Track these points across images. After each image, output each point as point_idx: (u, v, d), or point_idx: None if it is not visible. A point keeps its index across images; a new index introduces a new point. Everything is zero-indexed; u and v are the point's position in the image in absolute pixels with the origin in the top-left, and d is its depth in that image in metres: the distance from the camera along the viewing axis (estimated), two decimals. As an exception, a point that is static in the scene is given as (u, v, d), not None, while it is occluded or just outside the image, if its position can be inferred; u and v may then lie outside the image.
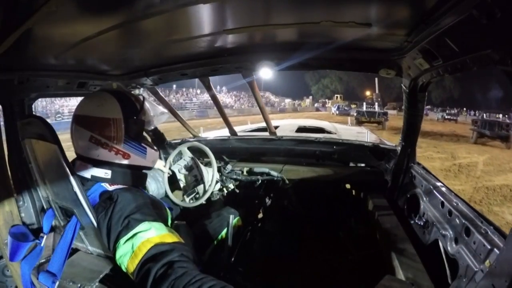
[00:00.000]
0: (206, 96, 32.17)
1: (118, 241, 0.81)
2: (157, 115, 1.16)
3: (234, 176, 1.86)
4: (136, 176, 1.05)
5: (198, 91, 34.14)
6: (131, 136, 1.00)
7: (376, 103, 20.50)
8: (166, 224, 0.91)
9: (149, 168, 1.11)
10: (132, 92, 1.14)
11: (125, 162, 1.00)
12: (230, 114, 21.16)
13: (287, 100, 43.37)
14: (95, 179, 0.96)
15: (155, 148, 1.10)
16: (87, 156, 0.97)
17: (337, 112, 28.96)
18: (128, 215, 0.83)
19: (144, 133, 1.12)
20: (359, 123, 16.19)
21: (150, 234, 0.80)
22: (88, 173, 0.96)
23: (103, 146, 0.95)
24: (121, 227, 0.82)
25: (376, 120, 16.50)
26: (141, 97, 1.08)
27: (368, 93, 43.34)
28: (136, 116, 1.02)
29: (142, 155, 1.04)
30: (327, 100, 43.47)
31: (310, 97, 46.67)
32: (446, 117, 25.83)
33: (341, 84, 47.36)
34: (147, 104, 1.08)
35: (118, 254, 0.81)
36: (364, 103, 21.45)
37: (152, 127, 1.16)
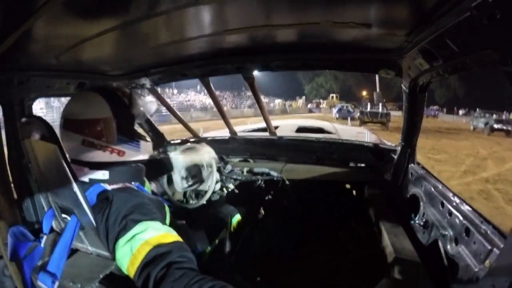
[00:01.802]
0: (182, 97, 29.97)
1: (117, 243, 0.81)
2: (146, 105, 1.12)
3: (234, 176, 1.86)
4: (134, 171, 1.05)
5: (175, 91, 31.25)
6: (123, 132, 0.99)
7: (380, 104, 19.37)
8: (164, 222, 0.91)
9: (144, 160, 1.11)
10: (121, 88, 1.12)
11: (121, 159, 0.99)
12: (201, 118, 18.23)
13: (278, 101, 37.23)
14: (93, 182, 0.95)
15: (147, 139, 1.09)
16: (81, 160, 0.96)
17: (337, 115, 22.50)
18: (125, 216, 0.83)
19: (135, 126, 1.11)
20: (362, 123, 15.97)
21: (148, 235, 0.79)
22: (86, 176, 0.95)
23: (97, 147, 0.94)
24: (119, 228, 0.82)
25: (378, 120, 16.23)
26: (127, 91, 1.07)
27: (364, 92, 38.48)
28: (126, 112, 1.01)
29: (136, 149, 1.02)
30: (321, 101, 38.37)
31: (303, 97, 40.45)
32: (496, 126, 16.05)
33: (337, 83, 43.26)
34: (134, 97, 1.06)
35: (118, 256, 0.80)
36: (368, 104, 19.71)
37: (144, 119, 1.14)
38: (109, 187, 0.95)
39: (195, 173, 1.73)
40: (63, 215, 0.97)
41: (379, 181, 1.79)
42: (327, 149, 2.05)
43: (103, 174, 0.96)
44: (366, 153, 1.96)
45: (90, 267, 0.93)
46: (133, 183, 1.04)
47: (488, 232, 0.83)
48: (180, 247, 0.80)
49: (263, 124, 2.54)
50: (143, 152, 1.06)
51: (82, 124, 0.93)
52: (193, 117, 19.95)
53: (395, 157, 1.65)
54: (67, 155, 0.98)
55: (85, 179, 0.95)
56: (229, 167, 1.88)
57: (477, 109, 19.84)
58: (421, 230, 1.25)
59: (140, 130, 1.16)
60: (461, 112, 25.81)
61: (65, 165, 0.88)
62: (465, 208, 1.01)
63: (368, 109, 17.89)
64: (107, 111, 0.95)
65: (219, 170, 1.79)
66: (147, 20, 0.85)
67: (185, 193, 1.95)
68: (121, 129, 0.98)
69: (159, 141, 2.21)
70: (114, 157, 0.97)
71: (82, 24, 0.82)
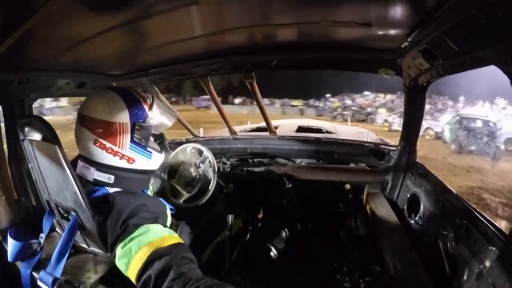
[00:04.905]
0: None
1: (118, 246, 0.80)
2: (167, 114, 1.07)
3: (234, 176, 1.86)
4: (140, 180, 1.04)
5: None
6: (137, 140, 0.97)
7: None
8: (165, 225, 0.91)
9: (153, 171, 1.09)
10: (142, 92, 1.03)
11: (130, 166, 0.97)
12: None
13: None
14: (97, 183, 0.95)
15: (160, 150, 1.07)
16: (90, 159, 0.94)
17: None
18: (126, 219, 0.82)
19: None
20: None
21: (149, 238, 0.79)
22: (91, 176, 0.94)
23: (108, 150, 0.93)
24: (120, 231, 0.81)
25: None
26: (150, 99, 1.02)
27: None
28: (144, 121, 0.98)
29: (147, 159, 1.00)
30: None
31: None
32: None
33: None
34: (156, 105, 1.01)
35: (118, 259, 0.80)
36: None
37: (161, 131, 1.10)
38: (110, 190, 0.95)
39: (195, 173, 1.71)
40: (63, 215, 0.97)
41: (379, 181, 1.79)
42: (327, 149, 2.05)
43: (108, 178, 0.94)
44: (367, 153, 1.96)
45: (90, 267, 0.93)
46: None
47: (488, 231, 0.83)
48: (181, 249, 0.79)
49: (263, 124, 2.55)
50: (154, 162, 1.04)
51: (97, 124, 0.91)
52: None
53: (395, 157, 1.65)
54: (78, 150, 0.97)
55: (90, 178, 0.94)
56: (229, 167, 1.88)
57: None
58: (421, 230, 1.25)
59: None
60: (237, 101, 22.50)
61: (65, 165, 0.87)
62: (465, 207, 1.01)
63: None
64: (125, 117, 0.93)
65: (219, 170, 1.79)
66: (147, 20, 0.85)
67: (185, 193, 1.95)
68: (135, 137, 0.96)
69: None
70: (123, 163, 0.95)
71: (82, 23, 0.82)
